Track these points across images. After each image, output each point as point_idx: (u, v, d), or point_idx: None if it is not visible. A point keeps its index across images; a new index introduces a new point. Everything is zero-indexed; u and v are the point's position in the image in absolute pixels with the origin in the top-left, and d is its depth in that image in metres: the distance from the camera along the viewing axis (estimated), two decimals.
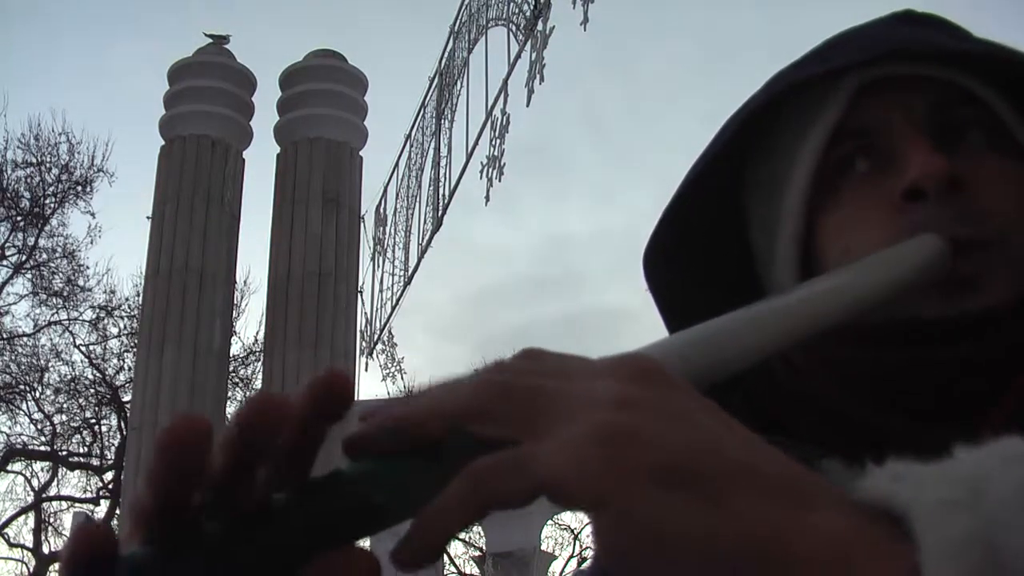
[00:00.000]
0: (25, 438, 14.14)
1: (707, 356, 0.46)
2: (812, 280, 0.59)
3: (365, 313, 10.43)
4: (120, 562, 0.32)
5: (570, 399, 0.35)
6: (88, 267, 13.92)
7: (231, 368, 11.79)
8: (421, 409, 0.36)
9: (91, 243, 16.45)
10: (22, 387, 13.84)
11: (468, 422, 0.35)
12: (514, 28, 7.59)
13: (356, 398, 0.36)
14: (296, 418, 0.35)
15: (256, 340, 13.65)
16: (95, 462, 14.34)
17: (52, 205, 13.52)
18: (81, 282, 13.83)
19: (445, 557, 14.01)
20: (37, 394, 13.96)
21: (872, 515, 0.32)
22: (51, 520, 14.75)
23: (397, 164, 10.48)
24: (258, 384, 12.90)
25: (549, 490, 0.33)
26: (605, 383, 0.35)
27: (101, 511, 14.19)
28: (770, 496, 0.32)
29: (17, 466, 14.48)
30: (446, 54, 9.59)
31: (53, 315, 13.87)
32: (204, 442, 0.33)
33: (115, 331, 14.12)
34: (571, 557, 16.01)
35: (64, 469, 14.60)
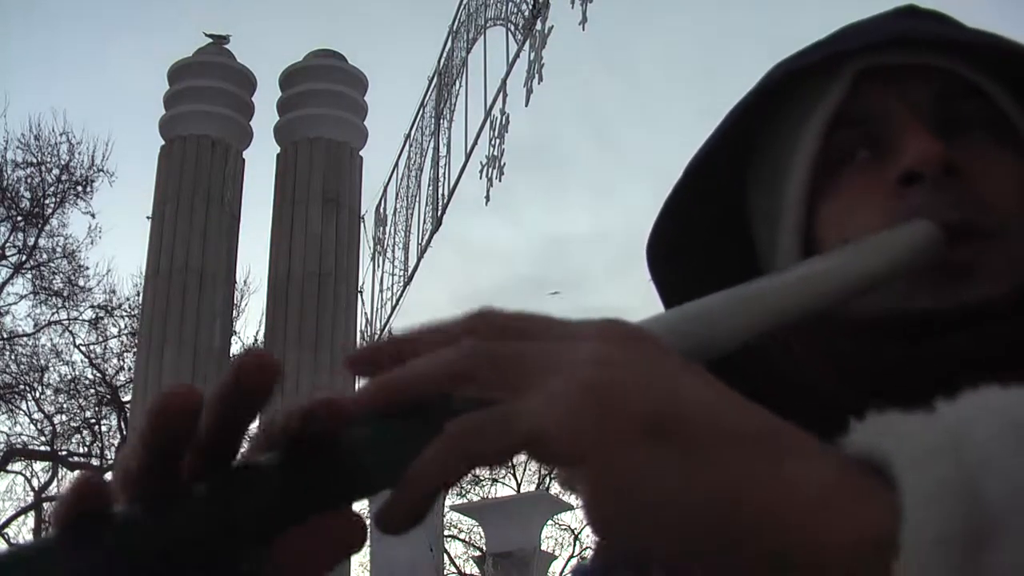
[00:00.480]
0: (25, 438, 14.15)
1: (700, 332, 0.46)
2: (805, 261, 0.59)
3: (365, 313, 10.43)
4: (109, 519, 0.32)
5: (555, 359, 0.35)
6: (88, 267, 13.93)
7: None
8: (405, 374, 0.36)
9: (91, 243, 16.43)
10: (22, 387, 13.84)
11: (453, 384, 0.35)
12: (513, 28, 7.59)
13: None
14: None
15: (256, 340, 13.65)
16: (95, 462, 14.32)
17: (52, 205, 13.53)
18: (81, 282, 13.84)
19: (445, 557, 14.00)
20: (37, 394, 13.96)
21: (854, 465, 0.32)
22: (51, 520, 14.73)
23: (397, 164, 10.48)
24: None
25: (531, 444, 0.33)
26: (590, 344, 0.35)
27: None
28: (749, 446, 0.33)
29: (17, 466, 14.48)
30: (445, 54, 9.59)
31: (53, 315, 13.87)
32: (196, 410, 0.33)
33: (115, 331, 14.13)
34: (571, 557, 16.01)
35: (64, 469, 14.59)
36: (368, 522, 0.35)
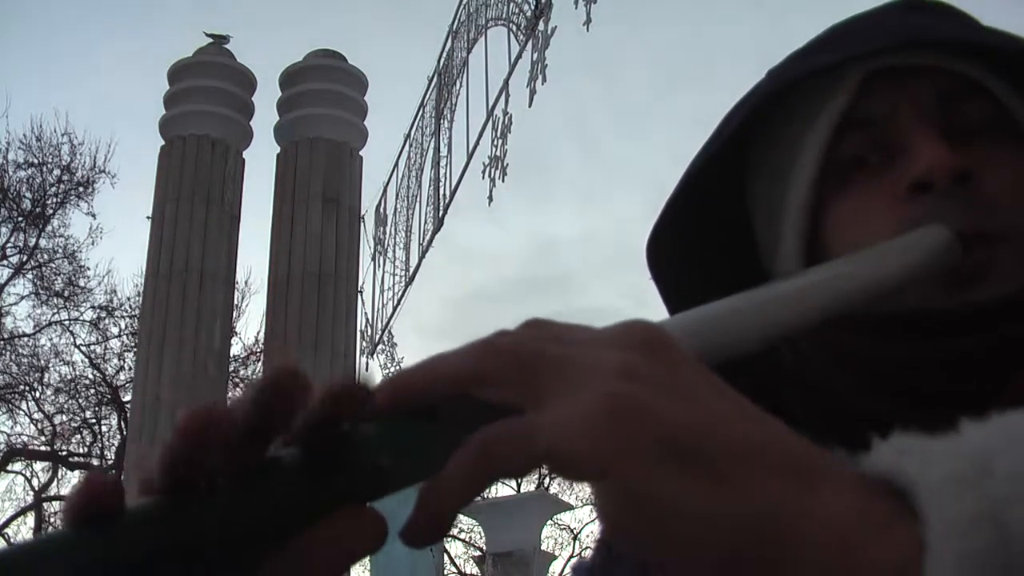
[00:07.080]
0: (25, 438, 14.16)
1: (715, 336, 0.46)
2: (820, 266, 0.59)
3: (366, 313, 10.43)
4: (121, 515, 0.31)
5: (576, 366, 0.34)
6: (89, 267, 13.94)
7: (231, 368, 11.78)
8: (425, 373, 0.36)
9: (92, 244, 16.45)
10: (22, 387, 13.84)
11: (472, 386, 0.35)
12: (514, 28, 7.59)
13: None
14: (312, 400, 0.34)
15: (256, 340, 13.66)
16: (95, 462, 14.32)
17: (53, 206, 13.53)
18: (82, 283, 13.85)
19: (445, 557, 13.99)
20: (37, 394, 13.97)
21: (877, 490, 0.32)
22: (51, 520, 14.75)
23: (397, 164, 10.48)
24: None
25: (553, 460, 0.33)
26: (611, 352, 0.35)
27: None
28: (772, 472, 0.32)
29: (17, 466, 14.49)
30: (445, 54, 9.58)
31: (54, 315, 13.88)
32: (225, 433, 0.32)
33: (115, 331, 14.13)
34: (571, 557, 16.00)
35: (64, 469, 14.60)
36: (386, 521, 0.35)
